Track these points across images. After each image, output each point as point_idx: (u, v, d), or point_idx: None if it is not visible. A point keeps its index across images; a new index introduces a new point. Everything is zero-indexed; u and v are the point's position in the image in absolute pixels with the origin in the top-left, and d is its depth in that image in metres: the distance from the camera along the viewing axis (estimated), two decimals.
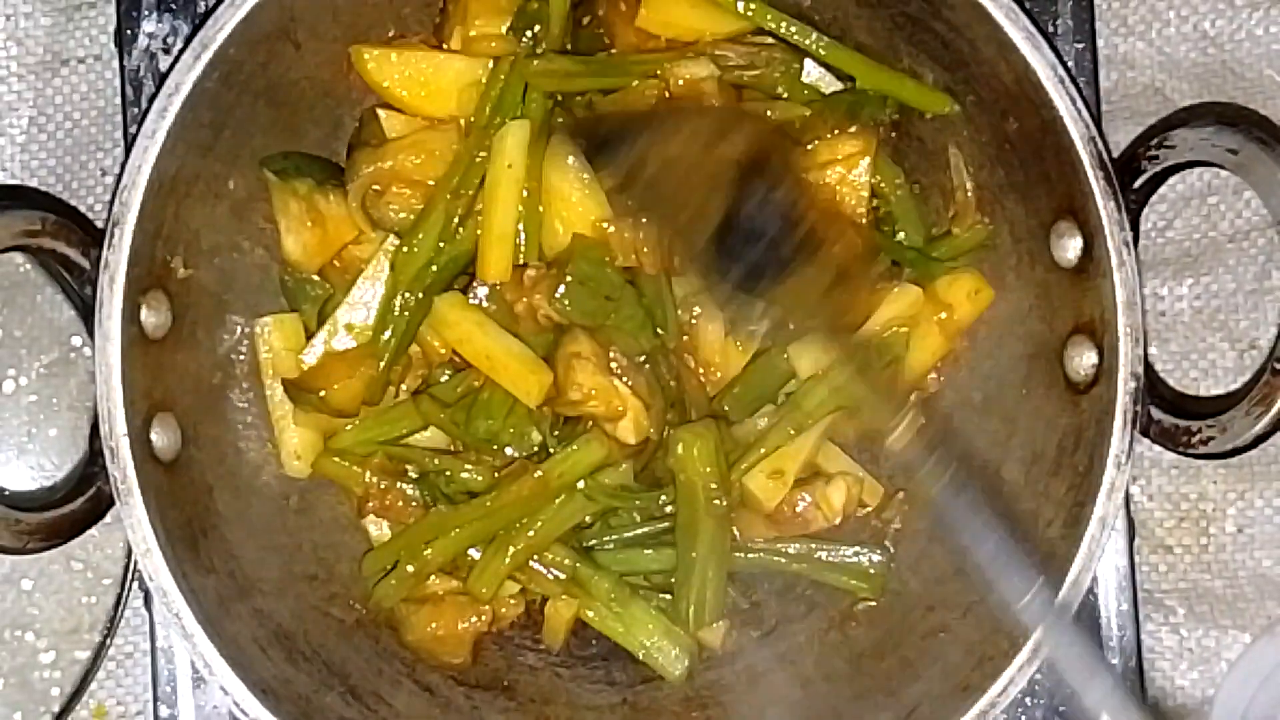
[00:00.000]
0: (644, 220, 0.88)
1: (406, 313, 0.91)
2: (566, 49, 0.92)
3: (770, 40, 0.93)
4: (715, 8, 0.92)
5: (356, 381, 0.92)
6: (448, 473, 0.92)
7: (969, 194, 0.93)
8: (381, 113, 0.93)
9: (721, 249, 0.85)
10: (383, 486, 0.93)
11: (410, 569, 0.92)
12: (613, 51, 0.94)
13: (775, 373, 0.93)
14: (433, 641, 0.94)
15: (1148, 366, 0.84)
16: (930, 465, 0.83)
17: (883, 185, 0.93)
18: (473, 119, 0.91)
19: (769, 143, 0.88)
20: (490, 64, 0.91)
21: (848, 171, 0.92)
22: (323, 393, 0.91)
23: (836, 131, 0.92)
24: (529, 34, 0.91)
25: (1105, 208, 0.82)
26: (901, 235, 0.94)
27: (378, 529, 0.96)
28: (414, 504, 0.93)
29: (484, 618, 0.94)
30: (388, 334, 0.92)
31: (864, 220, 0.92)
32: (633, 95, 0.92)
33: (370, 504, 0.94)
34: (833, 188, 0.92)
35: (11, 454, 1.00)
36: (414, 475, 0.93)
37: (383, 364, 0.92)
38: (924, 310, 0.92)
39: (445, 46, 0.94)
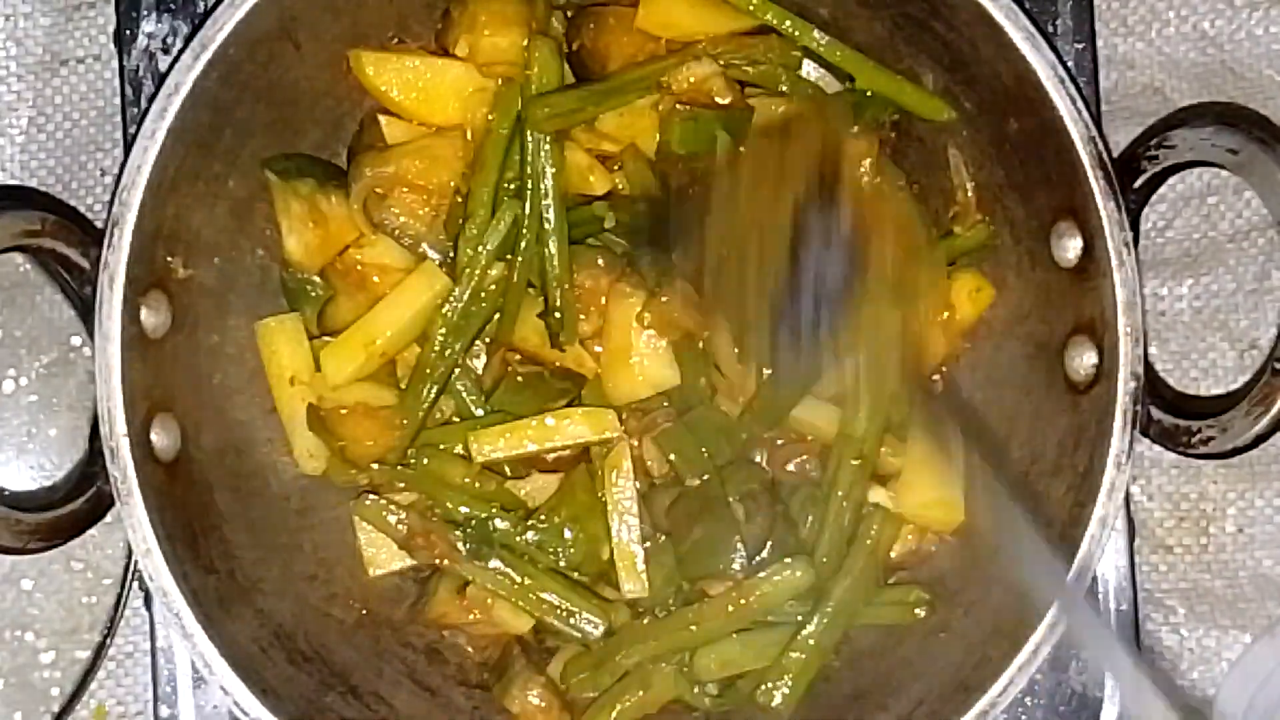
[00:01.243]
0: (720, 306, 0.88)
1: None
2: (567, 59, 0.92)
3: (768, 36, 0.93)
4: (714, 6, 0.92)
5: (378, 447, 0.92)
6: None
7: (969, 194, 0.92)
8: (382, 118, 0.93)
9: (791, 294, 0.84)
10: (424, 526, 0.93)
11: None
12: (609, 70, 0.93)
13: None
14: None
15: (1148, 366, 0.83)
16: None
17: (884, 187, 0.93)
18: (477, 136, 0.91)
19: (826, 150, 0.86)
20: (499, 82, 0.91)
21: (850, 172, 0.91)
22: (343, 443, 0.92)
23: None
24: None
25: (1105, 208, 0.82)
26: None
27: (373, 549, 0.96)
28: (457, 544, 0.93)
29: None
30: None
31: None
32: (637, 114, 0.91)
33: (414, 540, 0.92)
34: None
35: (11, 454, 1.00)
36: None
37: (408, 433, 0.92)
38: None
39: (449, 53, 0.93)
